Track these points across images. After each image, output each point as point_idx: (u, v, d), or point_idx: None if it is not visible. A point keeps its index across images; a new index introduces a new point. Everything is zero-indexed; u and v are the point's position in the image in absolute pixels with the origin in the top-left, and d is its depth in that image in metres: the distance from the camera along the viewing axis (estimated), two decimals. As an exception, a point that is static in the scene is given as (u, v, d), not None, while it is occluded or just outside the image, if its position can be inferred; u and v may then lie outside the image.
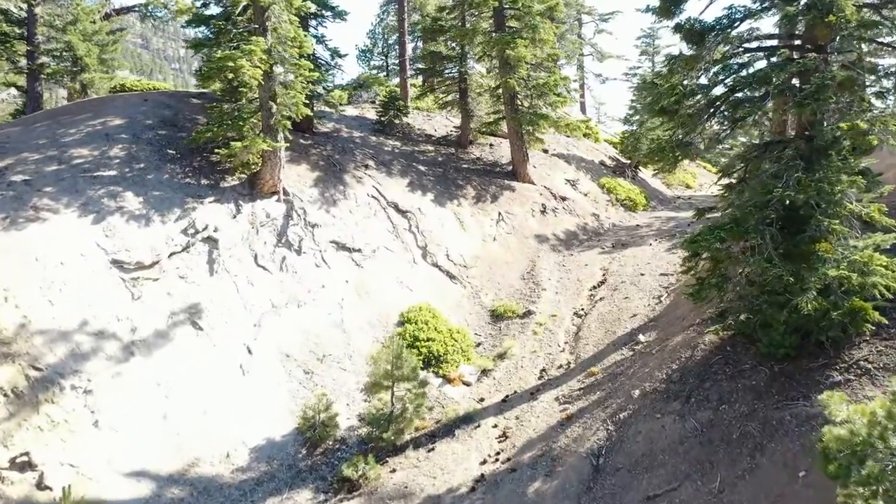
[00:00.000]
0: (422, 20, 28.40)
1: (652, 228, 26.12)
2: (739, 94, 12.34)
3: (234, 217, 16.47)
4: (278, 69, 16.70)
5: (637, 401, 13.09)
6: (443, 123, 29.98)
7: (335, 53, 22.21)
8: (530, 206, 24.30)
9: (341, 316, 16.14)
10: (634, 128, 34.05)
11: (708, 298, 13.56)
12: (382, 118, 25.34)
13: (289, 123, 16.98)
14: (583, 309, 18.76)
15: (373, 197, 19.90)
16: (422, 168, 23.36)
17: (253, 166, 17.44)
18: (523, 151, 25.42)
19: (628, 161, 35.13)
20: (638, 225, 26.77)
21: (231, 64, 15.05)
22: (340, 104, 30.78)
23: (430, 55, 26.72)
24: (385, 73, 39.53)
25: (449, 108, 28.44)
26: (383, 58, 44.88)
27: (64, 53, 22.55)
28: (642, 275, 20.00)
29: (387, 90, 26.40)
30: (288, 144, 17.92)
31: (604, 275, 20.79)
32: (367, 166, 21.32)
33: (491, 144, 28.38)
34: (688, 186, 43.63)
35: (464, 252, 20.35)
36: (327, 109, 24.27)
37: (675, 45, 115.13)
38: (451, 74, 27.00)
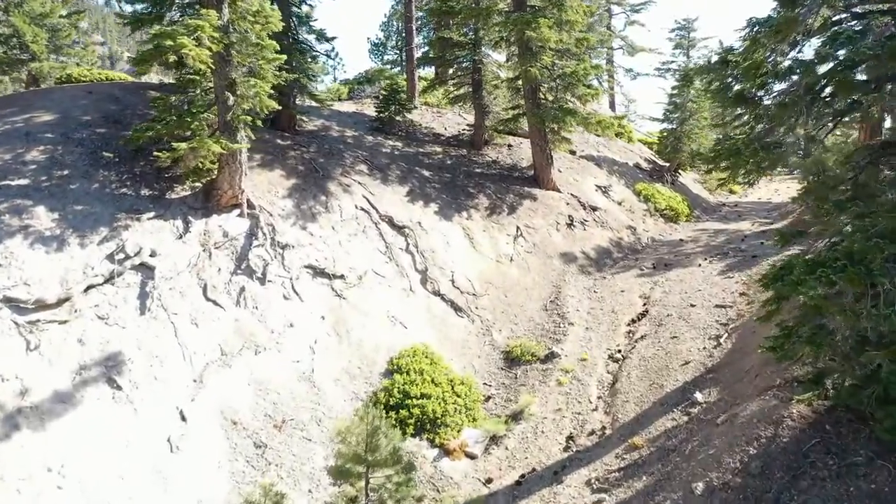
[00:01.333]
0: (431, 1, 25.18)
1: (698, 244, 22.59)
2: (853, 74, 8.88)
3: (181, 237, 13.36)
4: (242, 52, 13.56)
5: (700, 500, 9.68)
6: (454, 121, 26.71)
7: (321, 36, 19.01)
8: (555, 218, 20.92)
9: (312, 364, 12.93)
10: (674, 126, 30.43)
11: (796, 357, 10.20)
12: (381, 114, 22.15)
13: (252, 119, 13.82)
14: (619, 350, 15.36)
15: (362, 209, 16.69)
16: (426, 173, 20.12)
17: (208, 173, 14.33)
18: (547, 153, 22.06)
19: (667, 163, 31.54)
20: (681, 240, 23.24)
21: (170, 43, 11.93)
22: (339, 99, 27.74)
23: (438, 41, 23.49)
24: (399, 69, 36.45)
25: (461, 104, 25.18)
26: (398, 52, 41.83)
27: (11, 40, 19.70)
28: (693, 306, 16.54)
29: (389, 83, 23.20)
30: (252, 145, 14.81)
31: (644, 304, 17.36)
32: (357, 171, 18.12)
33: (509, 145, 25.05)
34: (732, 191, 39.89)
35: (473, 276, 17.07)
36: (317, 104, 21.13)
37: (713, 36, 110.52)
38: (463, 64, 23.74)
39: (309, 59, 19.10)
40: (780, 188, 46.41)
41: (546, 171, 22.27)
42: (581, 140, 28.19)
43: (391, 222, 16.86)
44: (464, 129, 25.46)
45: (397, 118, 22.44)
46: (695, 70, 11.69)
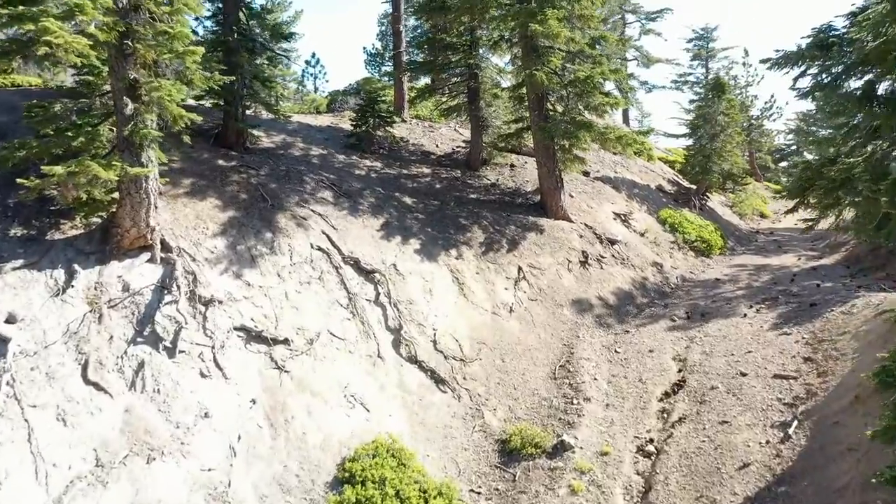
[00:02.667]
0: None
1: (739, 285, 19.15)
2: None
3: (59, 294, 10.04)
4: (147, 42, 10.28)
5: None
6: (448, 137, 23.46)
7: (277, 34, 15.71)
8: (565, 255, 17.54)
9: (229, 473, 9.51)
10: (703, 142, 27.01)
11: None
12: (357, 129, 18.88)
13: (158, 133, 10.51)
14: (651, 440, 11.90)
15: (320, 249, 13.34)
16: (408, 200, 16.79)
17: (107, 206, 11.03)
18: (556, 175, 18.73)
19: (694, 186, 28.17)
20: (717, 279, 19.81)
21: (31, 28, 8.68)
22: (318, 111, 24.56)
23: (429, 43, 20.30)
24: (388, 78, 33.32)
25: (456, 116, 21.94)
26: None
27: None
28: (743, 375, 13.10)
29: (370, 93, 19.91)
30: (181, 166, 11.55)
31: (680, 370, 13.93)
32: (319, 200, 14.80)
33: (512, 165, 21.74)
34: (763, 215, 36.43)
35: (462, 334, 13.68)
36: (280, 116, 17.85)
37: (735, 45, 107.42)
38: (457, 70, 20.49)
39: (265, 62, 15.83)
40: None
41: (555, 196, 18.93)
42: (595, 159, 24.87)
43: (357, 266, 13.50)
44: (459, 147, 22.21)
45: (377, 133, 19.16)
46: (779, 59, 8.42)
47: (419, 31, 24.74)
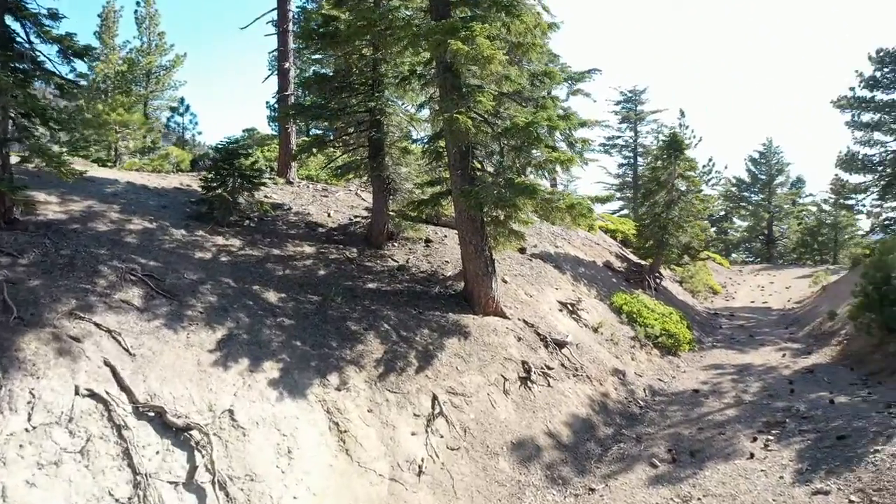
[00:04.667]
0: (305, 20, 17.47)
1: (725, 399, 14.90)
2: None
3: None
4: None
5: None
6: (347, 203, 18.72)
7: (68, 48, 10.56)
8: (499, 370, 12.80)
9: None
10: (657, 210, 23.17)
11: None
12: (209, 193, 13.79)
13: None
14: None
15: (93, 395, 8.03)
16: (271, 297, 11.74)
17: None
18: (485, 256, 14.16)
19: (646, 261, 24.30)
20: (696, 391, 15.53)
21: None
22: (180, 170, 19.41)
23: (317, 81, 15.65)
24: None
25: (354, 176, 17.27)
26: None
27: None
28: (782, 579, 8.48)
29: (228, 145, 14.77)
30: None
31: (682, 568, 9.20)
32: (115, 304, 9.55)
33: (427, 241, 17.12)
34: (714, 291, 33.07)
35: (338, 525, 8.56)
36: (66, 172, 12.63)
37: (665, 109, 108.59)
38: (357, 115, 15.86)
39: (53, 89, 10.70)
40: (761, 283, 40.09)
41: (484, 284, 14.31)
42: (531, 231, 20.63)
43: (161, 420, 8.25)
44: (358, 216, 17.48)
45: (239, 199, 14.07)
46: None
47: (313, 71, 20.13)
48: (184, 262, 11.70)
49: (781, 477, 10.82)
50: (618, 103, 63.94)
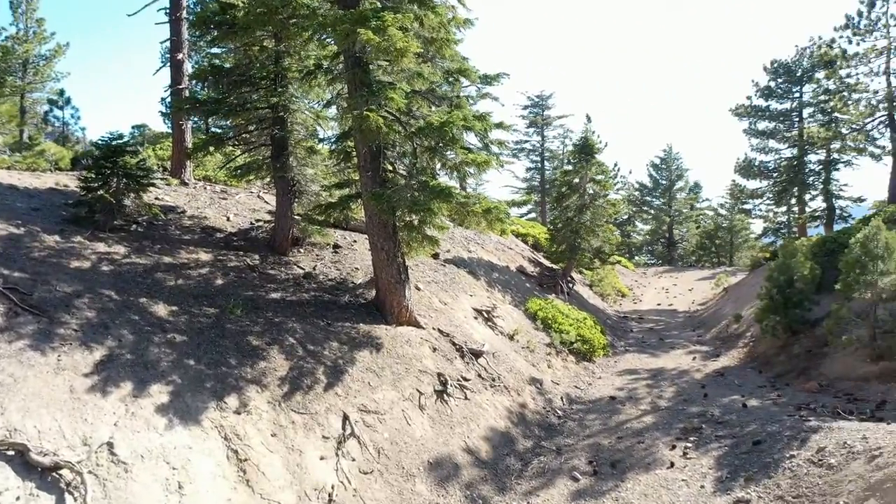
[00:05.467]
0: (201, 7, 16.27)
1: (641, 406, 14.84)
2: None
3: None
4: None
5: None
6: (248, 206, 17.58)
7: None
8: (414, 384, 12.15)
9: None
10: (569, 214, 23.21)
11: None
12: (88, 195, 12.40)
13: None
14: None
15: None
16: (161, 311, 10.60)
17: None
18: (397, 263, 13.48)
19: (558, 266, 24.32)
20: (613, 398, 15.43)
21: None
22: (59, 168, 17.68)
23: (212, 73, 14.50)
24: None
25: (255, 178, 16.19)
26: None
27: None
28: None
29: (111, 141, 13.37)
30: None
31: (609, 590, 8.83)
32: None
33: (335, 246, 16.28)
34: (622, 294, 33.69)
35: (237, 570, 7.65)
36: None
37: (571, 114, 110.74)
38: (259, 112, 14.82)
39: None
40: (665, 285, 41.30)
41: (397, 292, 13.62)
42: (445, 235, 20.09)
43: (23, 459, 7.08)
44: (260, 220, 16.39)
45: (125, 201, 12.74)
46: None
47: (209, 62, 18.82)
48: (57, 272, 10.37)
49: (702, 486, 10.72)
50: (525, 108, 64.58)
